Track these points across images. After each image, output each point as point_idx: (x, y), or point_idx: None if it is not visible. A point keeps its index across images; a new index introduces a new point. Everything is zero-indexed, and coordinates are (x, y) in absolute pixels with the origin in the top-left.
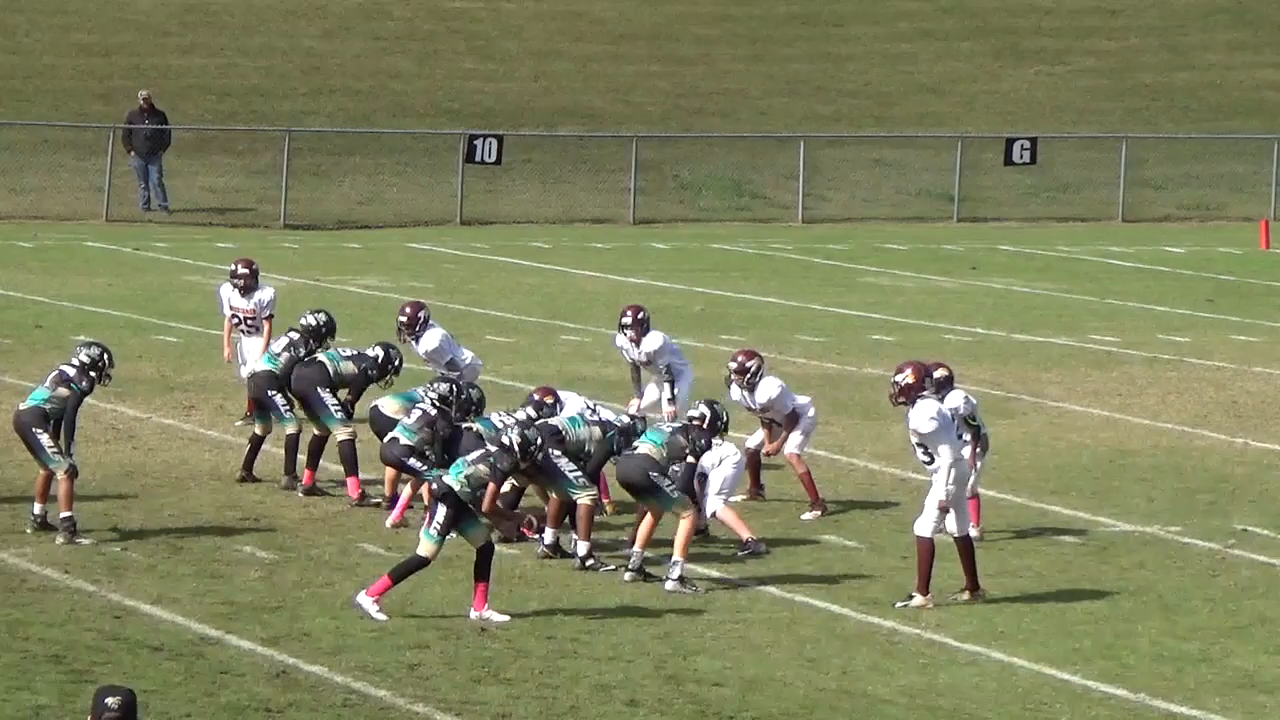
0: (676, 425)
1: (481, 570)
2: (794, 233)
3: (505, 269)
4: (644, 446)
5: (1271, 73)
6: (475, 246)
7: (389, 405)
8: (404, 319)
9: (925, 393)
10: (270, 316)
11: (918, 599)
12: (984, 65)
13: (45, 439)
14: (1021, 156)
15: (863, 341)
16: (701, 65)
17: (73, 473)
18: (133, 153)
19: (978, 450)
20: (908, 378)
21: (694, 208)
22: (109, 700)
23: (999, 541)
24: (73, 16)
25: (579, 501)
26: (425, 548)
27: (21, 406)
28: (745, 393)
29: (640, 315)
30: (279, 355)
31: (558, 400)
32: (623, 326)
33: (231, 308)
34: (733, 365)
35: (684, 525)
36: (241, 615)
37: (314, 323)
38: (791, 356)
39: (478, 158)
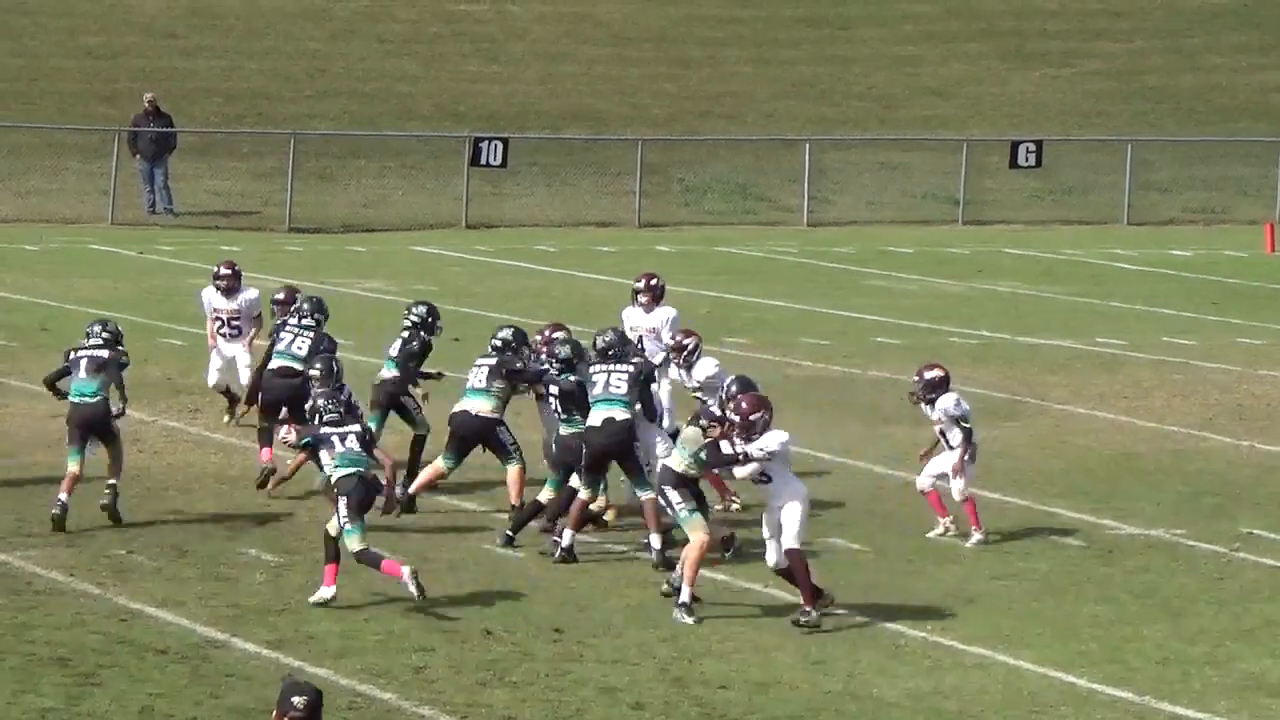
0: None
1: (332, 552)
2: (799, 236)
3: (510, 272)
4: (672, 459)
5: (1278, 75)
6: (480, 250)
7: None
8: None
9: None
10: (258, 317)
11: (814, 613)
12: (990, 68)
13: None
14: (1027, 159)
15: (868, 344)
16: (707, 68)
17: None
18: (138, 155)
19: (966, 456)
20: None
21: (699, 211)
22: (295, 700)
23: (1004, 544)
24: (78, 19)
25: (579, 495)
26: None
27: (83, 402)
28: (682, 371)
29: (654, 282)
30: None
31: (568, 336)
32: (635, 293)
33: (214, 309)
34: (670, 343)
35: (693, 547)
36: (247, 618)
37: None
38: (797, 359)
39: (483, 161)
